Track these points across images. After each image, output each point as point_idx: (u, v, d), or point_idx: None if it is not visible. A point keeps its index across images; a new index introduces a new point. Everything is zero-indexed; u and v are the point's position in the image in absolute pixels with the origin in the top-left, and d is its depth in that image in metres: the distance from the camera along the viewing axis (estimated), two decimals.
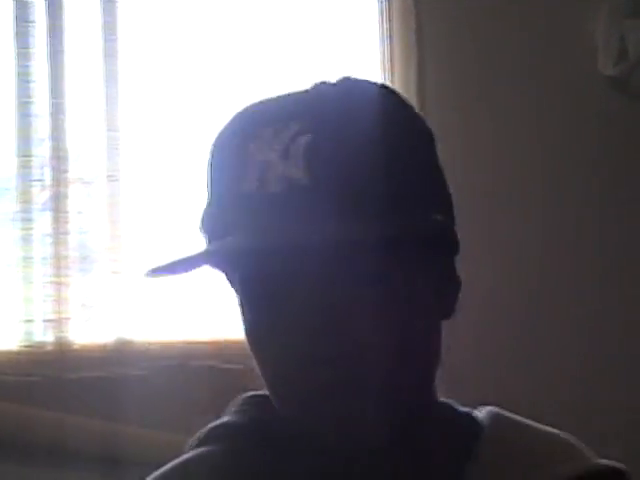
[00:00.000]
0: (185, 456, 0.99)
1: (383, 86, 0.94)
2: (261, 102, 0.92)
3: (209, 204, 0.93)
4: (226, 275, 0.96)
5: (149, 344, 2.45)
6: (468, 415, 1.01)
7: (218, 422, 1.01)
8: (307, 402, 0.86)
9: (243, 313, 0.92)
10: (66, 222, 2.50)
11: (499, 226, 2.61)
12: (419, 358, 0.90)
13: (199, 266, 0.89)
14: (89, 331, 2.50)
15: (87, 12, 2.58)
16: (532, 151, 2.64)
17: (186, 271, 0.89)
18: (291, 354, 0.86)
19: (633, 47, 2.54)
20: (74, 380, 2.33)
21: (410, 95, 2.42)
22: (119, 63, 2.57)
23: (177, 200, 2.56)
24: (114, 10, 2.58)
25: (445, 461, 0.96)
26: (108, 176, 2.53)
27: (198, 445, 1.00)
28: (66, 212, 2.50)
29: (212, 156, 0.92)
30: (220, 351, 2.40)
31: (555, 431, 1.01)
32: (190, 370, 2.32)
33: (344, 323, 0.85)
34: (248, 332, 0.91)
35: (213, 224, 0.91)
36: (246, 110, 0.92)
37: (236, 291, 0.94)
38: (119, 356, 2.41)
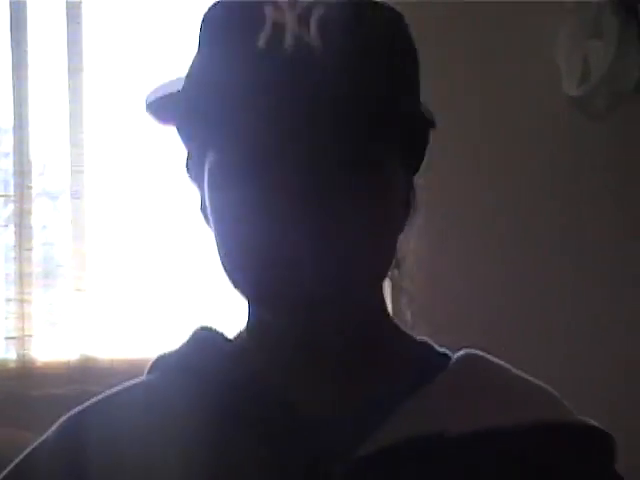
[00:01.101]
0: (127, 383, 1.04)
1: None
2: None
3: (202, 59, 0.91)
4: (192, 155, 0.95)
5: (113, 361, 2.44)
6: (441, 353, 1.02)
7: (162, 353, 1.05)
8: (274, 267, 0.86)
9: (213, 184, 0.90)
10: (30, 238, 2.49)
11: (455, 241, 2.62)
12: (380, 262, 0.92)
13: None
14: (53, 348, 2.48)
15: (51, 27, 2.58)
16: (495, 170, 2.65)
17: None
18: (273, 215, 0.85)
19: (595, 68, 2.56)
20: (37, 397, 2.32)
21: None
22: (84, 79, 2.56)
23: (141, 217, 2.56)
24: (79, 26, 2.57)
25: (397, 377, 0.97)
26: (72, 192, 2.52)
27: (148, 373, 1.04)
28: (30, 227, 2.49)
29: (214, 14, 0.91)
30: None
31: (538, 382, 1.00)
32: None
33: (328, 195, 0.85)
34: (219, 206, 0.90)
35: (209, 72, 0.88)
36: None
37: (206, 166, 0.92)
38: (83, 373, 2.40)
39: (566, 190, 2.68)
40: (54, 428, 1.02)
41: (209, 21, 0.91)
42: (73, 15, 2.57)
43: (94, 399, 1.03)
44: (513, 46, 2.69)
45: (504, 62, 2.69)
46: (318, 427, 0.93)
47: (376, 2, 0.91)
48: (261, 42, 0.85)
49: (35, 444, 1.03)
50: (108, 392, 1.04)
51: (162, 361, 1.04)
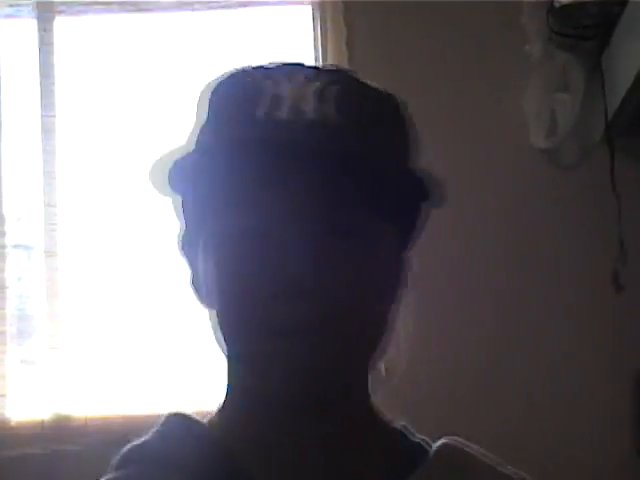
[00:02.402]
0: None
1: None
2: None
3: (203, 133, 0.94)
4: (186, 231, 0.97)
5: (87, 419, 2.43)
6: (417, 443, 1.01)
7: (135, 443, 1.00)
8: (268, 338, 0.88)
9: (210, 248, 0.92)
10: (4, 298, 2.49)
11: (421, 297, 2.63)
12: (376, 318, 0.93)
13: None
14: (26, 407, 2.47)
15: (24, 86, 2.60)
16: (464, 220, 2.67)
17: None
18: (265, 284, 0.87)
19: (562, 120, 2.60)
20: (12, 458, 2.30)
21: None
22: (57, 138, 2.58)
23: (115, 275, 2.56)
24: (52, 86, 2.59)
25: (380, 468, 0.96)
26: (46, 249, 2.53)
27: (116, 468, 1.00)
28: (4, 287, 2.49)
29: (214, 93, 0.94)
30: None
31: (517, 472, 1.00)
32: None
33: (320, 262, 0.87)
34: (218, 264, 0.91)
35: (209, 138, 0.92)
36: (250, 65, 0.95)
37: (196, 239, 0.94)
38: (57, 432, 2.38)
39: (538, 241, 2.71)
40: None
41: (218, 96, 0.94)
42: (46, 71, 2.59)
43: None
44: (481, 96, 2.73)
45: (473, 112, 2.73)
46: None
47: (375, 88, 0.95)
48: (259, 112, 0.88)
49: None
50: None
51: (135, 453, 1.00)
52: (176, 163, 0.88)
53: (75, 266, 2.56)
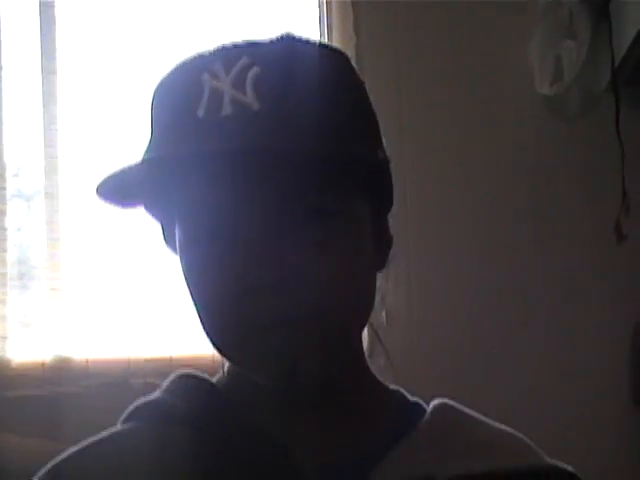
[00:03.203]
0: (104, 433, 1.00)
1: (323, 44, 0.98)
2: (207, 50, 0.94)
3: (152, 141, 0.94)
4: (166, 227, 0.98)
5: (88, 362, 2.44)
6: (414, 402, 1.05)
7: (145, 399, 1.02)
8: (247, 333, 0.88)
9: (182, 250, 0.93)
10: (4, 239, 2.48)
11: (425, 236, 2.63)
12: (355, 299, 0.92)
13: (146, 179, 0.89)
14: (27, 349, 2.47)
15: (25, 28, 2.57)
16: (467, 168, 2.67)
17: (132, 194, 0.91)
18: (234, 283, 0.87)
19: (568, 68, 2.58)
20: (12, 399, 2.31)
21: None
22: (58, 80, 2.56)
23: (117, 217, 2.55)
24: (53, 28, 2.57)
25: (379, 426, 0.99)
26: (46, 193, 2.52)
27: (124, 421, 1.01)
28: (4, 229, 2.48)
29: (158, 94, 0.94)
30: (160, 369, 2.39)
31: (508, 429, 1.04)
32: (130, 388, 2.31)
33: (285, 252, 0.87)
34: (188, 268, 0.93)
35: (157, 151, 0.91)
36: (192, 55, 0.94)
37: (166, 231, 0.97)
38: (58, 374, 2.39)
39: (539, 191, 2.70)
40: None
41: (155, 100, 0.94)
42: (47, 16, 2.56)
43: (73, 449, 1.00)
44: (486, 46, 2.71)
45: (477, 61, 2.71)
46: (310, 475, 0.94)
47: (313, 47, 0.93)
48: (200, 112, 0.87)
49: None
50: (87, 441, 1.00)
51: (144, 410, 1.01)
52: (126, 177, 0.87)
53: (76, 209, 2.56)
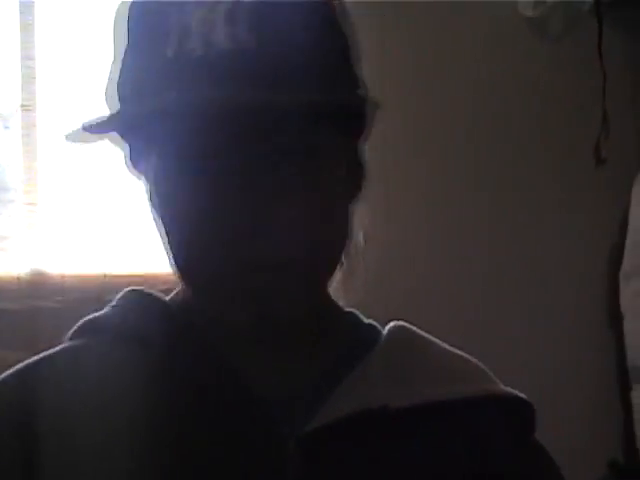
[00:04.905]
0: (52, 350, 0.99)
1: None
2: None
3: (127, 69, 0.92)
4: (136, 150, 0.96)
5: (64, 277, 2.44)
6: (368, 324, 1.05)
7: (90, 316, 1.01)
8: (225, 273, 0.87)
9: (158, 180, 0.92)
10: None
11: (414, 169, 2.63)
12: (331, 235, 0.92)
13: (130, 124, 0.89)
14: (3, 263, 2.47)
15: None
16: (452, 91, 2.66)
17: (109, 131, 0.90)
18: (211, 222, 0.87)
19: None
20: None
21: None
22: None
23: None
24: None
25: (335, 348, 1.00)
26: (22, 106, 2.49)
27: (70, 338, 1.00)
28: None
29: (136, 16, 0.91)
30: (137, 285, 2.39)
31: (463, 354, 1.04)
32: (105, 304, 2.31)
33: (263, 193, 0.86)
34: (166, 200, 0.92)
35: (138, 88, 0.89)
36: None
37: (145, 169, 0.95)
38: (33, 288, 2.39)
39: (520, 112, 2.70)
40: None
41: (130, 24, 0.91)
42: None
43: (24, 363, 0.98)
44: None
45: None
46: (269, 400, 0.93)
47: None
48: (169, 51, 0.85)
49: None
50: (40, 355, 0.98)
51: (94, 325, 1.00)
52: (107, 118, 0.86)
53: (54, 123, 2.53)
